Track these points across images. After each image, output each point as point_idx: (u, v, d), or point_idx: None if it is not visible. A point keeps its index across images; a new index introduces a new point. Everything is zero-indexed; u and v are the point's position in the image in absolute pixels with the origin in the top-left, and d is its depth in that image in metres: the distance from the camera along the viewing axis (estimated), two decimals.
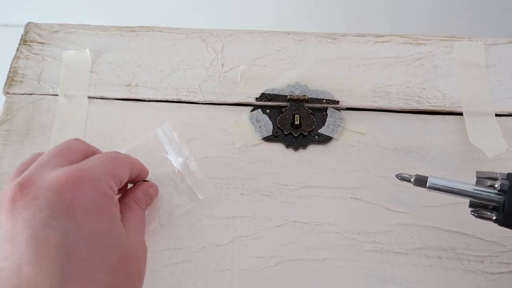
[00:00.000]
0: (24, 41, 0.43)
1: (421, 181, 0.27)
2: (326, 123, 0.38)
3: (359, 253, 0.33)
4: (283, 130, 0.37)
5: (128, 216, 0.26)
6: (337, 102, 0.38)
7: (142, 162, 0.36)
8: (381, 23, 0.88)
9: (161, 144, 0.37)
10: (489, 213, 0.24)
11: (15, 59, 0.42)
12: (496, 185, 0.24)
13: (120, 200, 0.28)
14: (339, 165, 0.37)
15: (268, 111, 0.39)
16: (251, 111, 0.39)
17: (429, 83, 0.39)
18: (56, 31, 0.44)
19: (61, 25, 0.44)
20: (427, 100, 0.39)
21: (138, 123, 0.39)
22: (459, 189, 0.25)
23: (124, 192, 0.30)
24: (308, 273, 0.33)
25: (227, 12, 0.74)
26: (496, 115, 0.38)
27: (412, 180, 0.27)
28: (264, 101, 0.39)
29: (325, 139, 0.37)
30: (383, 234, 0.34)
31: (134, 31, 0.43)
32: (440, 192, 0.26)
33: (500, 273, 0.32)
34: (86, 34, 0.43)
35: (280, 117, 0.38)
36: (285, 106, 0.38)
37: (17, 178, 0.22)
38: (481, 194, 0.24)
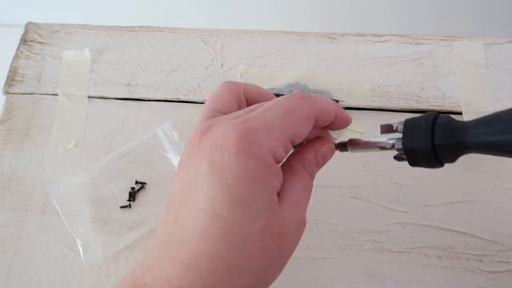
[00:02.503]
0: (24, 41, 0.43)
1: (343, 145, 0.27)
2: None
3: (359, 252, 0.33)
4: None
5: (290, 184, 0.23)
6: (337, 101, 0.39)
7: (142, 161, 0.37)
8: (380, 22, 0.88)
9: (161, 143, 0.37)
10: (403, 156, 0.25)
11: (15, 59, 0.42)
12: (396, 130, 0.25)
13: (286, 161, 0.25)
14: (339, 165, 0.37)
15: None
16: None
17: (428, 83, 0.39)
18: (56, 31, 0.44)
19: (61, 25, 0.44)
20: (426, 100, 0.39)
21: (138, 123, 0.39)
22: (371, 141, 0.25)
23: (295, 151, 0.26)
24: (308, 272, 0.33)
25: (227, 12, 0.74)
26: None
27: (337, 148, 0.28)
28: None
29: None
30: (383, 233, 0.34)
31: (134, 31, 0.43)
32: (359, 149, 0.26)
33: (499, 272, 0.32)
34: (86, 34, 0.43)
35: None
36: None
37: (205, 121, 0.23)
38: (385, 141, 0.25)
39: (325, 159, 0.26)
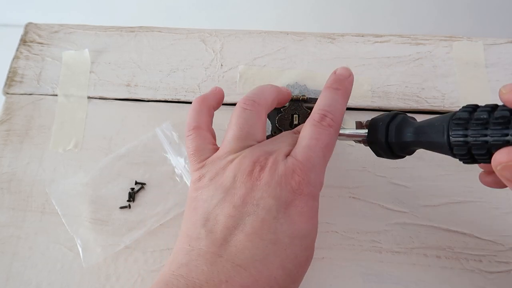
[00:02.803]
0: (23, 41, 0.43)
1: None
2: None
3: (358, 252, 0.33)
4: (282, 130, 0.38)
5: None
6: None
7: (141, 162, 0.37)
8: (380, 23, 0.88)
9: (161, 144, 0.37)
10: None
11: (14, 59, 0.42)
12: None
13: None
14: (338, 165, 0.37)
15: None
16: None
17: (428, 83, 0.39)
18: (55, 31, 0.44)
19: (60, 25, 0.44)
20: (426, 100, 0.39)
21: (137, 123, 0.39)
22: (351, 134, 0.29)
23: None
24: (307, 272, 0.33)
25: (226, 12, 0.74)
26: None
27: None
28: None
29: None
30: (382, 234, 0.34)
31: (134, 31, 0.43)
32: (342, 138, 0.30)
33: (498, 272, 0.32)
34: (86, 34, 0.43)
35: (279, 116, 0.38)
36: (284, 106, 0.38)
37: (249, 151, 0.26)
38: (356, 133, 0.29)
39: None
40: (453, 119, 0.22)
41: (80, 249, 0.33)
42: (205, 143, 0.28)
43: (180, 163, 0.36)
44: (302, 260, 0.24)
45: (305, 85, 0.39)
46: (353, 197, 0.35)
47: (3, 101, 0.40)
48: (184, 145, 0.36)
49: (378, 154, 0.28)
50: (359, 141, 0.29)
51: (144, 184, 0.36)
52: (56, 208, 0.35)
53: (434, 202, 0.35)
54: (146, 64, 0.41)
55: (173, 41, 0.43)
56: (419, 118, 0.39)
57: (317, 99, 0.29)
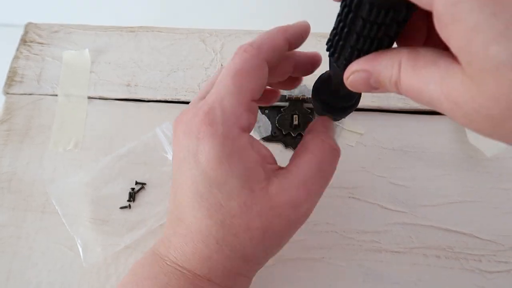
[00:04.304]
0: (23, 41, 0.43)
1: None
2: None
3: (358, 252, 0.33)
4: (282, 130, 0.38)
5: (295, 166, 0.23)
6: None
7: (141, 161, 0.37)
8: None
9: (161, 144, 0.37)
10: None
11: (14, 59, 0.42)
12: None
13: (305, 137, 0.25)
14: (337, 165, 0.37)
15: (267, 111, 0.39)
16: None
17: None
18: (55, 31, 0.44)
19: (61, 25, 0.44)
20: None
21: (137, 123, 0.39)
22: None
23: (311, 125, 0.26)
24: (306, 272, 0.33)
25: (227, 12, 0.74)
26: None
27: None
28: None
29: None
30: (382, 233, 0.34)
31: (134, 31, 0.43)
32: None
33: (498, 271, 0.32)
34: (86, 34, 0.43)
35: (279, 117, 0.38)
36: (284, 106, 0.38)
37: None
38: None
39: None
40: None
41: (80, 249, 0.33)
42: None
43: None
44: (233, 209, 0.21)
45: (305, 85, 0.40)
46: (353, 197, 0.35)
47: (3, 101, 0.40)
48: None
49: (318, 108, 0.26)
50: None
51: (145, 184, 0.36)
52: (56, 208, 0.35)
53: (433, 202, 0.35)
54: (146, 64, 0.41)
55: (173, 41, 0.43)
56: (419, 118, 0.39)
57: None
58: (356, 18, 0.18)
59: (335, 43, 0.20)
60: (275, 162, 0.23)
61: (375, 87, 0.19)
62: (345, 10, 0.18)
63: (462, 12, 0.13)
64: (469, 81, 0.15)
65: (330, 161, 0.24)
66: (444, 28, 0.15)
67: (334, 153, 0.24)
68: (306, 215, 0.23)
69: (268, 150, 0.23)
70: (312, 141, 0.24)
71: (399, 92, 0.19)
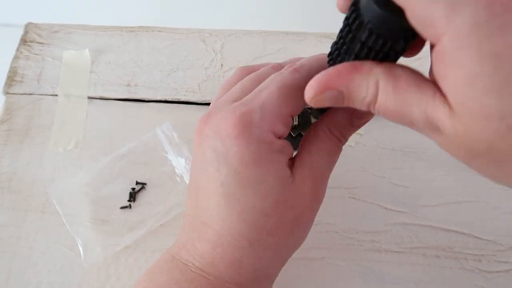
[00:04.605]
0: (24, 41, 0.43)
1: None
2: None
3: (358, 252, 0.33)
4: None
5: (309, 153, 0.23)
6: None
7: (142, 162, 0.37)
8: None
9: (161, 144, 0.37)
10: None
11: (15, 59, 0.42)
12: None
13: (312, 127, 0.25)
14: (337, 165, 0.37)
15: None
16: None
17: None
18: (56, 31, 0.44)
19: (61, 25, 0.44)
20: None
21: (137, 123, 0.39)
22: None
23: (324, 115, 0.25)
24: (306, 272, 0.33)
25: (227, 12, 0.74)
26: None
27: None
28: None
29: None
30: (382, 233, 0.34)
31: (134, 31, 0.43)
32: None
33: (497, 271, 0.33)
34: (86, 34, 0.43)
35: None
36: None
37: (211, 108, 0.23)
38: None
39: (362, 119, 0.24)
40: None
41: (80, 249, 0.33)
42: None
43: (181, 164, 0.36)
44: (267, 209, 0.21)
45: None
46: (353, 198, 0.35)
47: (3, 101, 0.40)
48: (184, 145, 0.36)
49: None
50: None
51: (145, 184, 0.36)
52: (57, 207, 0.35)
53: (433, 202, 0.35)
54: (146, 64, 0.41)
55: (173, 41, 0.43)
56: None
57: None
58: (355, 40, 0.18)
59: (334, 57, 0.20)
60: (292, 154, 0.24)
61: (340, 104, 0.19)
62: (346, 29, 0.18)
63: (467, 59, 0.14)
64: (457, 118, 0.15)
65: (335, 153, 0.24)
66: (442, 66, 0.15)
67: (338, 145, 0.24)
68: (321, 200, 0.24)
69: (291, 148, 0.23)
70: (321, 129, 0.24)
71: (372, 112, 0.19)
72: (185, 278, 0.22)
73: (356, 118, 0.24)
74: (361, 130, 0.38)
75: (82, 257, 0.33)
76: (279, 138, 0.22)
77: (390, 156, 0.37)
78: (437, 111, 0.16)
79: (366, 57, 0.18)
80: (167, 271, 0.23)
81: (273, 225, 0.22)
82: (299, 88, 0.22)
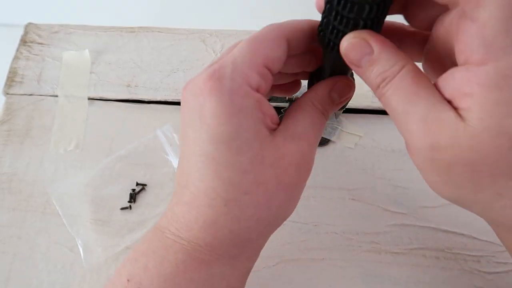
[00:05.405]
0: (23, 41, 0.43)
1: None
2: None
3: (357, 253, 0.34)
4: None
5: (293, 119, 0.23)
6: None
7: (142, 163, 0.37)
8: None
9: (161, 145, 0.37)
10: None
11: (14, 60, 0.42)
12: None
13: (297, 100, 0.24)
14: (337, 167, 0.37)
15: None
16: None
17: None
18: (56, 32, 0.44)
19: (61, 25, 0.44)
20: None
21: (138, 124, 0.39)
22: None
23: (308, 90, 0.25)
24: (307, 273, 0.33)
25: (227, 12, 0.74)
26: None
27: None
28: None
29: (324, 142, 0.37)
30: (381, 235, 0.34)
31: (134, 32, 0.43)
32: None
33: (497, 272, 0.33)
34: (86, 35, 0.43)
35: (279, 118, 0.38)
36: (284, 107, 0.38)
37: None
38: None
39: (341, 96, 0.24)
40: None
41: (81, 250, 0.33)
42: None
43: None
44: (244, 165, 0.20)
45: (305, 85, 0.40)
46: (353, 199, 0.35)
47: (3, 101, 0.40)
48: None
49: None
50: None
51: (145, 185, 0.36)
52: (57, 208, 0.35)
53: (432, 203, 0.35)
54: (146, 65, 0.42)
55: (173, 41, 0.43)
56: None
57: None
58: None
59: (322, 21, 0.21)
60: (277, 123, 0.23)
61: (359, 66, 0.20)
62: None
63: (506, 85, 0.15)
64: (469, 134, 0.17)
65: (320, 122, 0.24)
66: (470, 84, 0.16)
67: (321, 116, 0.24)
68: (310, 165, 0.23)
69: (274, 110, 0.23)
70: (304, 101, 0.24)
71: (375, 93, 0.19)
72: (161, 244, 0.22)
73: (335, 93, 0.24)
74: (360, 132, 0.38)
75: (83, 258, 0.33)
76: (256, 90, 0.21)
77: (390, 157, 0.37)
78: (441, 124, 0.17)
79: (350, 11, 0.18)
80: (147, 241, 0.23)
81: (250, 183, 0.21)
82: (271, 37, 0.21)
